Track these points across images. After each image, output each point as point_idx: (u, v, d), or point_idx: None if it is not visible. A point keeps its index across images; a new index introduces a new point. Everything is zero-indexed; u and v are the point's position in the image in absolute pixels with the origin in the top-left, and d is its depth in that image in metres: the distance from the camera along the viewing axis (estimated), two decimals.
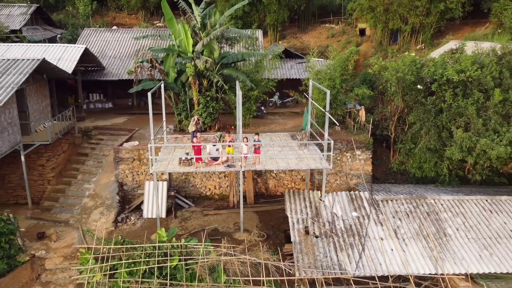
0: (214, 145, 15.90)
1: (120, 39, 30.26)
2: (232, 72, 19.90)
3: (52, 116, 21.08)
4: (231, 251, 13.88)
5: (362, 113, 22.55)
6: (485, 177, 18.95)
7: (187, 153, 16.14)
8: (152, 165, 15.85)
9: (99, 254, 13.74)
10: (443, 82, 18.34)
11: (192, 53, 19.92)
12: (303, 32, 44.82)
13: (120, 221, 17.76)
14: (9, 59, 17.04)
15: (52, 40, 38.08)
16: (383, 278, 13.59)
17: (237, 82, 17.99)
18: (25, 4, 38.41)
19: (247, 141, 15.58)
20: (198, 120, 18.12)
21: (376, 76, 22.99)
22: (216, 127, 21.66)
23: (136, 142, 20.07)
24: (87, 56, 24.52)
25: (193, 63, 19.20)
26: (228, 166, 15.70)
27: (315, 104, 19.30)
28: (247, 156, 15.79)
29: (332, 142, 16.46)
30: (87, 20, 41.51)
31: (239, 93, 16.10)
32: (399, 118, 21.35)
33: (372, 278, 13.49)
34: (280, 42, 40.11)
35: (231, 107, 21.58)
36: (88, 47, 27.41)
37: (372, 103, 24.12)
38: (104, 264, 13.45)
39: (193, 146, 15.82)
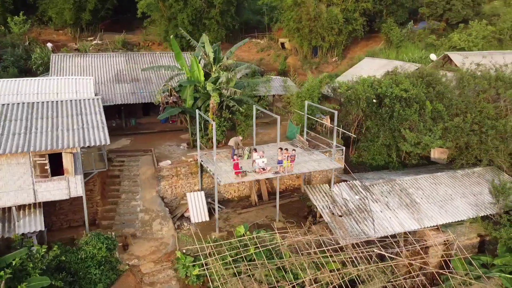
0: (260, 158, 20.81)
1: (95, 64, 31.81)
2: (243, 97, 24.73)
3: None
4: (294, 235, 19.30)
5: (328, 120, 29.38)
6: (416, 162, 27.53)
7: (241, 167, 20.73)
8: (216, 178, 20.30)
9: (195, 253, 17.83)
10: (393, 97, 26.07)
11: (214, 84, 24.21)
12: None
13: (177, 228, 21.42)
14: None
15: None
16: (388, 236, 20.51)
17: (254, 106, 23.18)
18: None
19: (288, 153, 21.00)
20: (240, 140, 22.93)
21: (337, 93, 30.03)
22: (223, 142, 26.12)
23: (169, 161, 23.56)
24: None
25: (217, 92, 23.52)
26: (275, 173, 20.89)
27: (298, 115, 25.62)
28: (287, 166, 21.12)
29: (340, 148, 23.00)
30: (22, 38, 40.42)
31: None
32: (358, 124, 28.74)
33: (385, 237, 20.28)
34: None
35: (235, 125, 26.27)
36: (65, 74, 29.36)
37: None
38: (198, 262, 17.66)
39: (233, 160, 20.93)
